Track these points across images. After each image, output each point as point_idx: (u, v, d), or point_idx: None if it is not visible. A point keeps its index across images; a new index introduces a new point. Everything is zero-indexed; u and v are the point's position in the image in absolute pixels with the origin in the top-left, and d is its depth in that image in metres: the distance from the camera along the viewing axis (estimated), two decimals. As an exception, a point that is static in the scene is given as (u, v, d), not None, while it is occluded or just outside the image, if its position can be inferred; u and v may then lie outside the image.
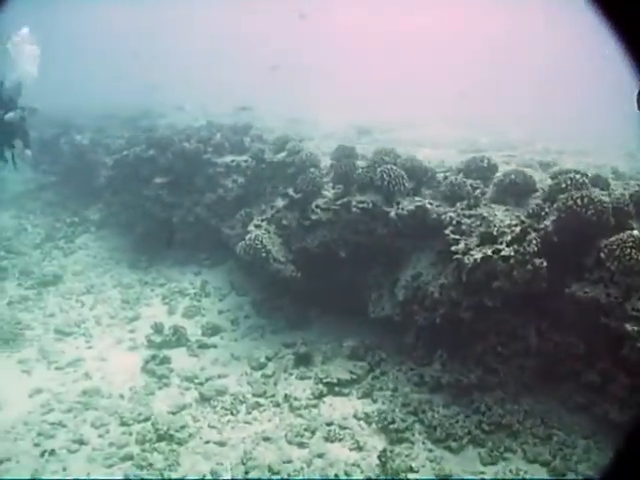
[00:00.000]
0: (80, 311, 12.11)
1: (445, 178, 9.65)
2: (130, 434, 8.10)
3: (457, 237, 8.13)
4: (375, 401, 8.65)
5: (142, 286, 12.98)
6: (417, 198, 9.26)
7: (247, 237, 10.00)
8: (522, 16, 29.42)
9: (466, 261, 7.71)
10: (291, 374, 9.48)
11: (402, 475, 7.00)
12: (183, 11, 35.76)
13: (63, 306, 12.30)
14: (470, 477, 7.11)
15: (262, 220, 10.90)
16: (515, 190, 8.79)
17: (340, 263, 10.00)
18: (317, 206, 9.95)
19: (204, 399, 8.90)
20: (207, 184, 13.41)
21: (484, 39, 29.35)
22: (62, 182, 18.04)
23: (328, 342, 10.18)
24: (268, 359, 9.86)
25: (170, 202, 13.66)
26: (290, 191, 10.51)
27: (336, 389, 8.92)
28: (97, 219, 16.30)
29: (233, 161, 13.13)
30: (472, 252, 7.76)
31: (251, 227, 10.67)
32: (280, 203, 10.83)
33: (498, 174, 9.44)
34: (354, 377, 9.04)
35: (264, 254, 9.75)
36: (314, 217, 9.87)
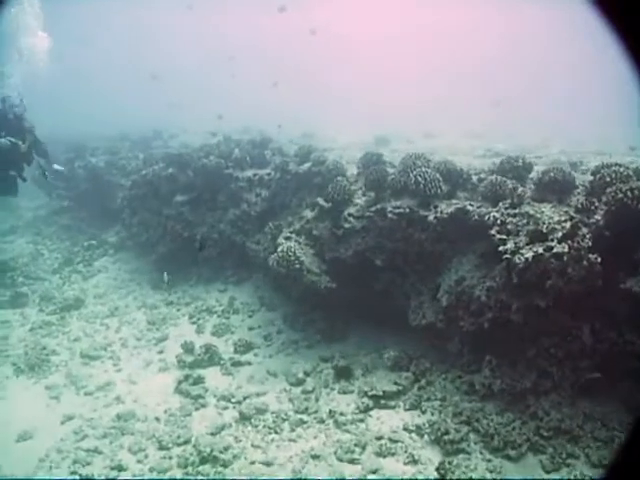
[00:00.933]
0: (105, 334, 11.81)
1: (480, 180, 9.35)
2: (171, 458, 7.74)
3: (504, 237, 7.79)
4: (424, 412, 8.27)
5: (167, 306, 12.67)
6: (454, 201, 8.96)
7: (279, 249, 9.68)
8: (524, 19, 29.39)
9: (517, 261, 7.37)
10: (332, 389, 9.11)
11: (465, 487, 6.62)
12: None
13: (87, 330, 12.00)
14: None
15: (291, 232, 10.61)
16: (556, 187, 8.45)
17: (375, 271, 9.69)
18: (350, 214, 9.66)
19: (244, 418, 8.53)
20: (230, 200, 13.17)
21: (491, 39, 29.35)
22: (77, 206, 17.84)
23: (367, 354, 9.83)
24: (306, 374, 9.49)
25: (192, 220, 13.42)
26: (320, 201, 10.22)
27: (382, 402, 8.53)
28: (115, 241, 16.08)
29: (255, 175, 12.89)
30: (522, 251, 7.41)
31: (281, 240, 10.37)
32: (309, 214, 10.56)
33: (534, 173, 9.14)
34: (399, 388, 8.66)
35: (298, 266, 9.43)
36: (347, 226, 9.57)
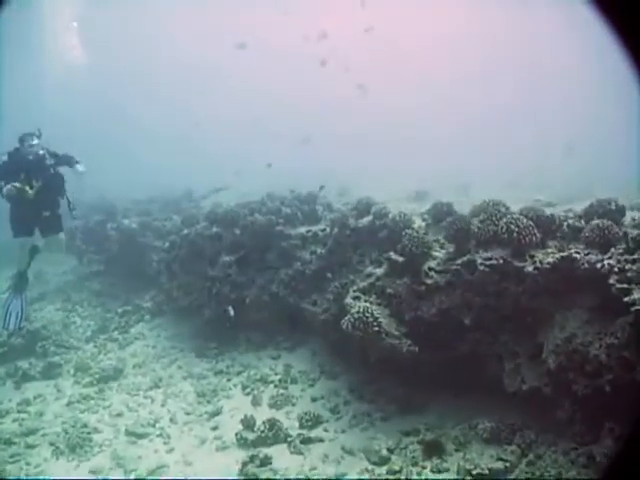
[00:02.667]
0: (151, 408, 10.71)
1: (570, 226, 8.47)
2: None
3: (626, 286, 6.83)
4: (542, 493, 7.08)
5: (216, 376, 11.58)
6: (550, 249, 8.05)
7: (354, 311, 8.67)
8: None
9: (649, 313, 6.38)
10: (424, 467, 7.89)
11: None
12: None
13: (130, 404, 10.92)
14: None
15: (358, 291, 9.66)
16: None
17: (461, 331, 8.67)
18: (431, 268, 8.73)
19: (327, 506, 7.37)
20: (281, 258, 12.29)
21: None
22: (108, 270, 16.96)
23: (455, 425, 8.64)
24: (390, 451, 8.30)
25: (241, 281, 12.48)
26: (392, 255, 9.32)
27: (489, 482, 7.35)
28: (151, 306, 15.13)
29: (309, 231, 12.06)
30: (653, 302, 6.44)
31: (349, 300, 9.40)
32: (378, 270, 9.63)
33: (628, 217, 8.30)
34: (506, 465, 7.46)
35: (376, 328, 8.42)
36: (429, 281, 8.62)
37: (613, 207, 8.50)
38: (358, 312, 8.53)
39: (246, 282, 12.46)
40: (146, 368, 12.37)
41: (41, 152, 9.70)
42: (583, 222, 8.42)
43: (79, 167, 10.01)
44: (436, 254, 8.96)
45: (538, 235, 8.12)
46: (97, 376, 11.97)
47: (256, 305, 12.23)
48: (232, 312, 11.62)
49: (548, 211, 8.75)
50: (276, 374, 11.24)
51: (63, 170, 10.12)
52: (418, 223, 10.21)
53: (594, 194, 12.97)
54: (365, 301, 9.27)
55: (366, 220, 10.97)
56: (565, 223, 8.64)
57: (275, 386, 10.83)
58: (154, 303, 15.19)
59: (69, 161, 10.00)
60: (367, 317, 8.40)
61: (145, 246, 16.29)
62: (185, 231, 13.76)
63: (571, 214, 9.00)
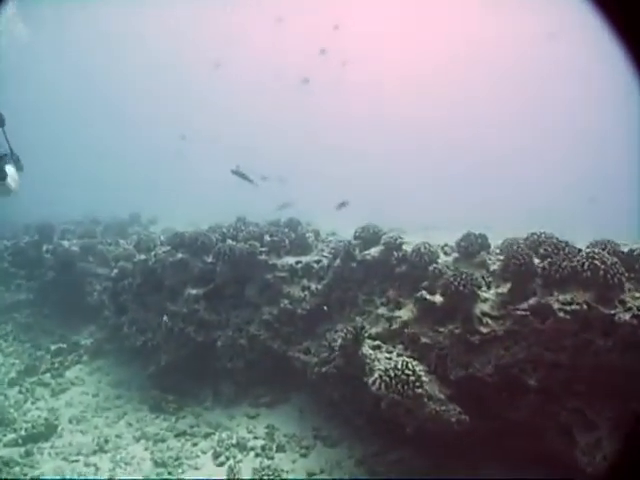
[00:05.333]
0: (95, 481, 8.28)
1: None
2: None
3: None
4: None
5: (178, 438, 9.23)
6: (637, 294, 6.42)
7: (389, 367, 6.69)
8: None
9: None
10: None
11: None
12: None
13: (68, 473, 8.43)
14: None
15: (374, 338, 7.74)
16: None
17: (520, 393, 6.84)
18: (485, 313, 6.91)
19: None
20: (263, 294, 10.17)
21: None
22: (40, 300, 14.25)
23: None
24: None
25: (211, 320, 10.25)
26: (425, 295, 7.47)
27: None
28: (91, 345, 12.61)
29: (298, 262, 10.06)
30: None
31: (366, 350, 7.45)
32: (403, 313, 7.75)
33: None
34: None
35: (419, 390, 6.47)
36: (485, 330, 6.78)
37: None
38: (395, 368, 6.55)
39: (218, 321, 10.25)
40: (87, 424, 9.87)
41: None
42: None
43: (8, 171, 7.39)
44: (486, 295, 7.16)
45: (625, 275, 6.49)
46: (23, 432, 9.38)
47: (230, 350, 10.01)
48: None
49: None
50: (256, 438, 9.02)
51: None
52: (442, 258, 8.46)
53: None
54: (389, 352, 7.35)
55: (376, 251, 9.10)
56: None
57: (257, 455, 8.59)
58: (95, 341, 12.70)
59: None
60: (408, 375, 6.43)
61: (86, 273, 13.84)
62: (142, 256, 11.47)
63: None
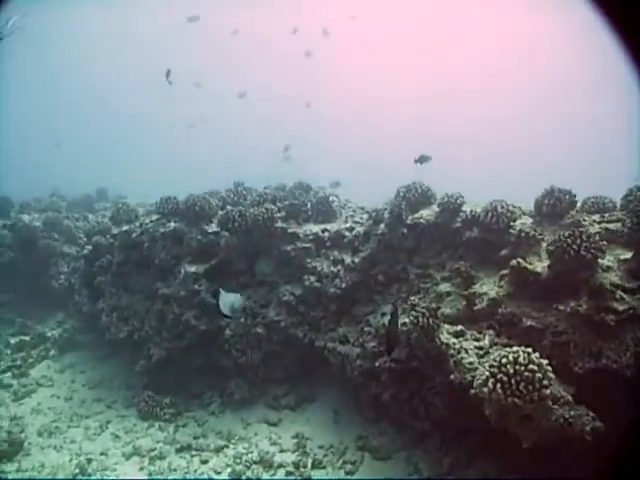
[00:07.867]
0: (78, 518, 6.28)
1: None
2: None
3: None
4: None
5: (181, 454, 7.26)
6: None
7: (503, 361, 4.74)
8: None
9: None
10: None
11: None
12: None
13: (41, 509, 6.42)
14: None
15: (451, 323, 5.91)
16: None
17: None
18: (615, 285, 5.11)
19: None
20: (282, 269, 8.22)
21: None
22: (-3, 284, 11.99)
23: None
24: None
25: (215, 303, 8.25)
26: (524, 263, 5.64)
27: None
28: (59, 337, 10.47)
29: (325, 231, 8.11)
30: None
31: (447, 338, 5.61)
32: (491, 289, 5.92)
33: None
34: None
35: (546, 391, 4.59)
36: (621, 307, 4.97)
37: None
38: (515, 363, 4.65)
39: (225, 305, 8.26)
40: (61, 437, 7.80)
41: None
42: None
43: None
44: (606, 263, 5.38)
45: None
46: (-22, 452, 7.29)
47: (241, 340, 8.04)
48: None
49: None
50: (283, 451, 7.11)
51: None
52: (524, 220, 6.67)
53: None
54: (476, 340, 5.52)
55: (429, 214, 7.25)
56: None
57: (288, 473, 6.71)
58: (64, 332, 10.57)
59: None
60: (533, 372, 4.57)
61: (51, 252, 11.63)
62: (123, 227, 9.36)
63: None
